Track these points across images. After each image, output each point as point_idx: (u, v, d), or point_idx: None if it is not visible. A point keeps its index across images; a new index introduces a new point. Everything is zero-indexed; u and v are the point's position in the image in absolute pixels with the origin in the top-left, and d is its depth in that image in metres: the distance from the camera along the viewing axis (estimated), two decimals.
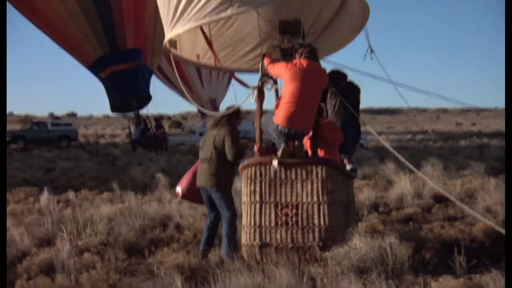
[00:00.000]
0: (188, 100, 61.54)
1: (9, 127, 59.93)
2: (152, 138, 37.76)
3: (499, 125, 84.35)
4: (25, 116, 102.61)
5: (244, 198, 7.74)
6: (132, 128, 38.82)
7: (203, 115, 61.69)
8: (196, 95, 60.58)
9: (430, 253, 7.38)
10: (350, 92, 8.78)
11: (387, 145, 8.71)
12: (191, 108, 66.25)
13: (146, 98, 37.55)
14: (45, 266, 7.65)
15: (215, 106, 62.14)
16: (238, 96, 13.17)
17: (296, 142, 7.72)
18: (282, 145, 7.55)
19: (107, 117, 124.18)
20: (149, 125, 39.28)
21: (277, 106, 7.76)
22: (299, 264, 7.34)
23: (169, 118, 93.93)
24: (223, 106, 63.91)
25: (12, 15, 39.57)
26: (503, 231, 6.84)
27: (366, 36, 9.15)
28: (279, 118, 7.48)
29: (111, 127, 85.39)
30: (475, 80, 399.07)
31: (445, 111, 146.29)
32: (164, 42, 9.19)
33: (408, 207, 11.39)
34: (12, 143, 41.28)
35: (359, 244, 6.93)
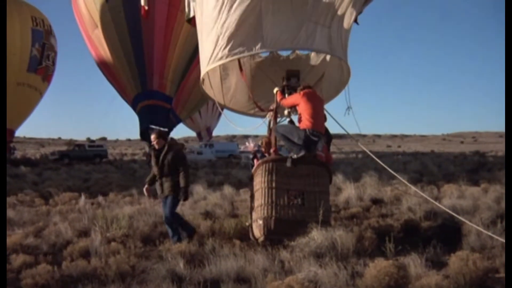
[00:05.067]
0: (188, 126, 62.00)
1: (58, 148, 60.03)
2: None
3: (417, 147, 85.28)
4: (70, 140, 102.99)
5: (262, 185, 7.95)
6: (147, 148, 39.40)
7: (200, 138, 62.12)
8: (195, 124, 60.90)
9: (368, 242, 7.38)
10: None
11: (375, 157, 9.33)
12: (192, 132, 66.22)
13: (164, 132, 37.98)
14: (83, 252, 7.61)
15: (210, 133, 62.52)
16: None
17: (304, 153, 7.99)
18: (303, 151, 7.91)
19: (129, 140, 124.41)
20: None
21: (299, 120, 8.16)
22: (272, 250, 7.35)
23: None
24: (215, 133, 64.13)
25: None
26: (488, 232, 6.92)
27: (346, 96, 9.80)
28: (307, 125, 7.91)
29: (132, 148, 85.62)
30: (403, 112, 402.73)
31: (379, 136, 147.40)
32: (201, 78, 9.33)
33: (352, 208, 11.42)
34: (60, 159, 41.54)
35: (316, 235, 6.99)
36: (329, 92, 10.10)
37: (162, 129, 37.17)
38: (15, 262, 7.14)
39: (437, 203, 8.87)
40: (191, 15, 9.85)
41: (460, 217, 7.64)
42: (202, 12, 9.05)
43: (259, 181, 8.04)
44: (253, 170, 8.53)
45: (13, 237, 8.56)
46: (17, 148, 50.39)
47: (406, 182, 9.40)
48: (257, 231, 7.81)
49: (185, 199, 8.63)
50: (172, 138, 8.93)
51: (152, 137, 8.70)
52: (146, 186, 8.84)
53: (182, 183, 8.36)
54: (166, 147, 8.49)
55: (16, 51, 36.61)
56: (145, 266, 6.81)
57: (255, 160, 9.10)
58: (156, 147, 8.64)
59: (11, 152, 43.12)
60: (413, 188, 9.85)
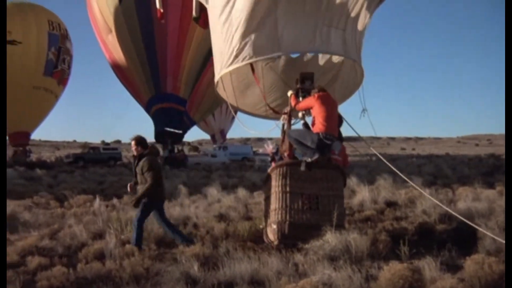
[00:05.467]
0: (202, 129, 62.29)
1: (73, 151, 60.37)
2: (174, 157, 38.79)
3: (432, 150, 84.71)
4: (85, 142, 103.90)
5: (276, 189, 7.97)
6: (161, 151, 39.90)
7: (214, 141, 62.37)
8: (209, 126, 61.12)
9: (382, 245, 7.35)
10: None
11: (386, 162, 8.96)
12: (206, 135, 66.41)
13: (178, 134, 38.39)
14: (98, 254, 7.66)
15: (223, 136, 62.69)
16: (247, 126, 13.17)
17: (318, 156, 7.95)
18: (317, 155, 7.88)
19: None
20: (174, 148, 40.40)
21: (313, 124, 8.14)
22: (286, 253, 7.33)
23: (188, 143, 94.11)
24: (229, 136, 64.21)
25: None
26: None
27: (360, 98, 9.66)
28: (320, 128, 7.87)
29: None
30: (417, 114, 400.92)
31: (393, 139, 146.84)
32: (215, 81, 9.34)
33: (366, 210, 11.37)
34: (75, 162, 41.91)
35: (330, 238, 6.99)
36: (342, 93, 10.06)
37: (176, 131, 37.59)
38: (30, 264, 7.20)
39: (446, 207, 8.82)
40: (198, 14, 9.94)
41: (471, 223, 7.54)
42: (214, 14, 9.04)
43: (273, 185, 8.04)
44: (268, 173, 8.53)
45: (29, 239, 8.63)
46: (32, 151, 50.70)
47: (415, 186, 9.34)
48: (272, 235, 7.81)
49: (134, 205, 8.50)
50: (152, 146, 8.71)
51: (132, 143, 8.61)
52: (131, 183, 8.85)
53: (139, 191, 8.32)
54: (140, 156, 8.46)
55: (32, 55, 37.07)
56: (159, 268, 6.82)
57: (273, 163, 9.12)
58: (135, 153, 8.61)
59: (26, 155, 43.44)
60: (424, 193, 9.76)
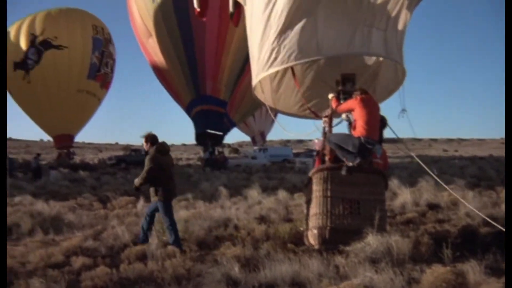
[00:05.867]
0: (242, 131, 62.41)
1: (115, 153, 61.26)
2: (214, 159, 39.06)
3: (475, 151, 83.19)
4: (127, 144, 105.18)
5: (317, 193, 7.88)
6: (202, 153, 40.16)
7: (255, 142, 62.44)
8: (249, 128, 61.26)
9: (425, 247, 7.22)
10: None
11: (423, 165, 8.73)
12: (246, 137, 66.63)
13: (219, 136, 38.70)
14: (140, 255, 7.71)
15: (263, 137, 62.75)
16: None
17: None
18: (358, 159, 7.71)
19: (184, 145, 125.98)
20: (215, 150, 40.68)
21: (354, 127, 7.97)
22: (327, 255, 7.29)
23: (229, 145, 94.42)
24: (269, 137, 64.22)
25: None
26: None
27: (400, 98, 9.46)
28: (362, 132, 7.70)
29: (187, 152, 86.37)
30: (459, 115, 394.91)
31: (435, 140, 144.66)
32: (253, 84, 9.32)
33: (408, 213, 11.23)
34: (117, 164, 42.62)
35: (372, 240, 6.90)
36: (382, 93, 9.91)
37: (217, 133, 37.85)
38: (75, 264, 7.32)
39: (481, 214, 8.61)
40: (233, 9, 9.98)
41: (497, 225, 7.37)
42: (252, 17, 9.03)
43: (314, 189, 7.96)
44: (308, 176, 8.46)
45: (73, 239, 8.78)
46: (76, 153, 51.64)
47: (451, 191, 9.21)
48: (312, 240, 7.77)
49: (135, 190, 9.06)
50: (160, 143, 8.91)
51: (143, 140, 8.98)
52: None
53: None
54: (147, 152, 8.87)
55: (77, 59, 37.92)
56: (200, 269, 6.85)
57: (317, 159, 9.03)
58: (146, 149, 9.03)
59: (70, 157, 44.29)
60: (460, 198, 9.58)
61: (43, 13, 39.37)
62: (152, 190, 8.62)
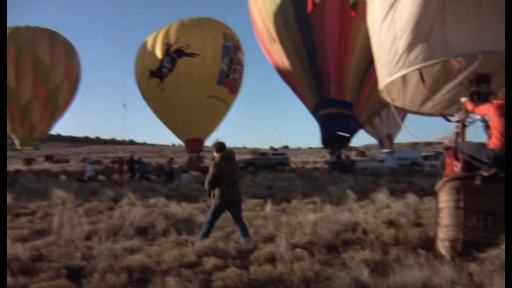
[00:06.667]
0: (369, 134, 61.52)
1: (243, 156, 62.69)
2: (341, 162, 38.91)
3: None
4: (254, 148, 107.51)
5: (449, 204, 7.54)
6: (328, 156, 40.12)
7: (382, 145, 61.40)
8: (376, 131, 60.34)
9: None
10: None
11: None
12: (373, 140, 65.78)
13: (345, 138, 38.52)
14: (269, 257, 7.78)
15: (391, 140, 61.53)
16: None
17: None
18: (493, 169, 7.19)
19: (310, 148, 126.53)
20: (342, 153, 40.51)
21: (489, 136, 7.42)
22: (460, 261, 7.02)
23: (355, 149, 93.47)
24: (397, 140, 62.96)
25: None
26: None
27: None
28: (497, 144, 7.18)
29: (313, 156, 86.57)
30: None
31: None
32: (380, 89, 9.15)
33: None
34: (245, 168, 43.52)
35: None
36: None
37: (345, 134, 37.69)
38: (206, 264, 7.51)
39: None
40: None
41: None
42: (376, 18, 8.84)
43: (446, 199, 7.62)
44: (437, 186, 8.12)
45: (205, 241, 9.03)
46: (206, 157, 53.47)
47: None
48: (443, 251, 7.48)
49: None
50: (226, 152, 9.51)
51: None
52: None
53: None
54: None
55: (208, 66, 39.37)
56: (329, 273, 6.82)
57: (446, 154, 8.57)
58: (213, 156, 9.67)
59: (200, 161, 45.83)
60: None
61: (177, 23, 41.47)
62: (212, 193, 9.29)
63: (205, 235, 9.19)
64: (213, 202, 9.27)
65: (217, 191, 9.19)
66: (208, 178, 9.24)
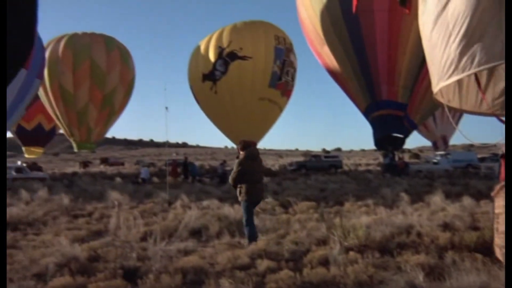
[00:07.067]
0: (423, 135, 60.51)
1: (295, 158, 62.56)
2: (395, 165, 38.42)
3: None
4: (306, 150, 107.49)
5: (505, 210, 7.30)
6: (381, 158, 39.73)
7: (436, 147, 60.29)
8: (430, 133, 59.28)
9: None
10: None
11: None
12: (427, 142, 64.71)
13: (399, 139, 38.02)
14: (322, 260, 7.77)
15: (446, 142, 60.35)
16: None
17: None
18: None
19: (363, 150, 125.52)
20: (395, 155, 40.07)
21: None
22: None
23: (409, 151, 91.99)
24: (452, 142, 61.74)
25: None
26: None
27: None
28: None
29: (366, 158, 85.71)
30: None
31: None
32: (434, 92, 8.98)
33: None
34: (297, 170, 43.62)
35: None
36: None
37: (399, 135, 37.23)
38: (260, 266, 7.53)
39: None
40: None
41: None
42: (427, 19, 8.65)
43: (502, 205, 7.35)
44: (493, 191, 7.93)
45: (258, 243, 9.08)
46: None
47: None
48: (501, 257, 7.31)
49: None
50: (250, 150, 9.90)
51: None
52: None
53: None
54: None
55: (260, 68, 39.52)
56: (383, 276, 6.77)
57: (502, 161, 8.41)
58: (238, 154, 10.03)
59: None
60: None
61: (230, 27, 41.71)
62: (238, 190, 9.65)
63: (254, 237, 9.36)
64: (240, 199, 9.72)
65: (243, 188, 9.54)
66: (232, 175, 9.64)
